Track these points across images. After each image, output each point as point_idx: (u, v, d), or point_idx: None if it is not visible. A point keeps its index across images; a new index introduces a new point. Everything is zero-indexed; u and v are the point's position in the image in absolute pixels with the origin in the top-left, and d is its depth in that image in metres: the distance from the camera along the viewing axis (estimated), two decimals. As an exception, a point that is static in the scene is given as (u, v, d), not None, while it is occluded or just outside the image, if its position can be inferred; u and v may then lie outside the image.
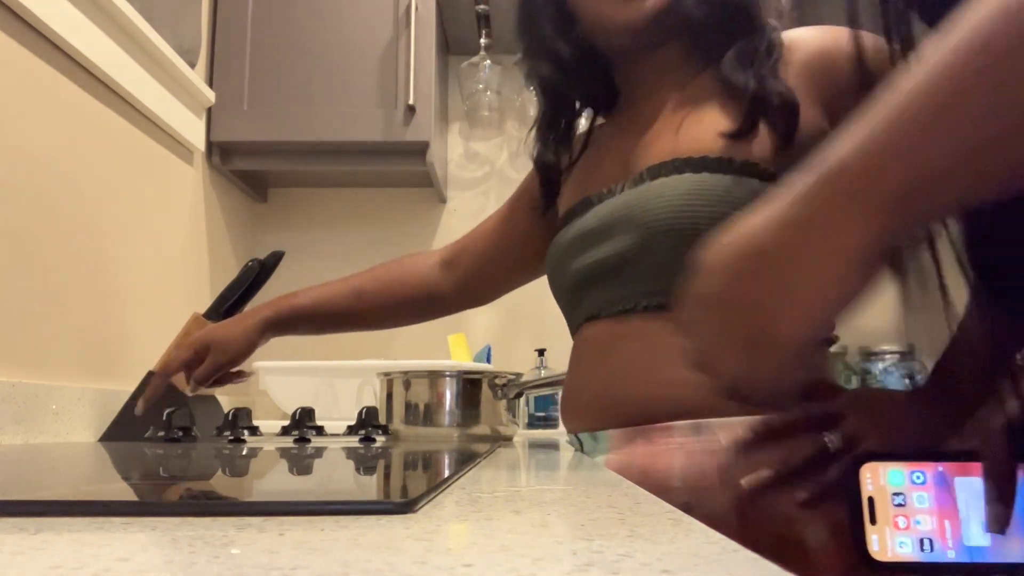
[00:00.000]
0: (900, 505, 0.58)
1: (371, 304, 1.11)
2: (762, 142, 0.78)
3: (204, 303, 1.41)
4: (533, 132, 0.99)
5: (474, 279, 1.11)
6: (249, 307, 1.33)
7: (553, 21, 0.90)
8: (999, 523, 0.52)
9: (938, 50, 0.32)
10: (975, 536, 0.56)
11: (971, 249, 0.40)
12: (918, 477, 0.58)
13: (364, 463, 0.64)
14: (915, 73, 0.32)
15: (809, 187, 0.36)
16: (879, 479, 0.59)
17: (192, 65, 1.65)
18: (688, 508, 0.37)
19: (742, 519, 0.69)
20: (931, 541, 0.57)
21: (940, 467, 0.58)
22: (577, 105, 0.99)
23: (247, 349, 1.09)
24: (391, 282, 1.12)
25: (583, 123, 1.01)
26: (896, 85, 0.33)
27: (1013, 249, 0.39)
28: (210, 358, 1.08)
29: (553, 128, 0.97)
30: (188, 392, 1.10)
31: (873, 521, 0.59)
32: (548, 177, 0.99)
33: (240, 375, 1.16)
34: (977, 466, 0.56)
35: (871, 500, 0.58)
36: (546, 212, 1.00)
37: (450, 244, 1.15)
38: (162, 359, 1.26)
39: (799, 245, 0.36)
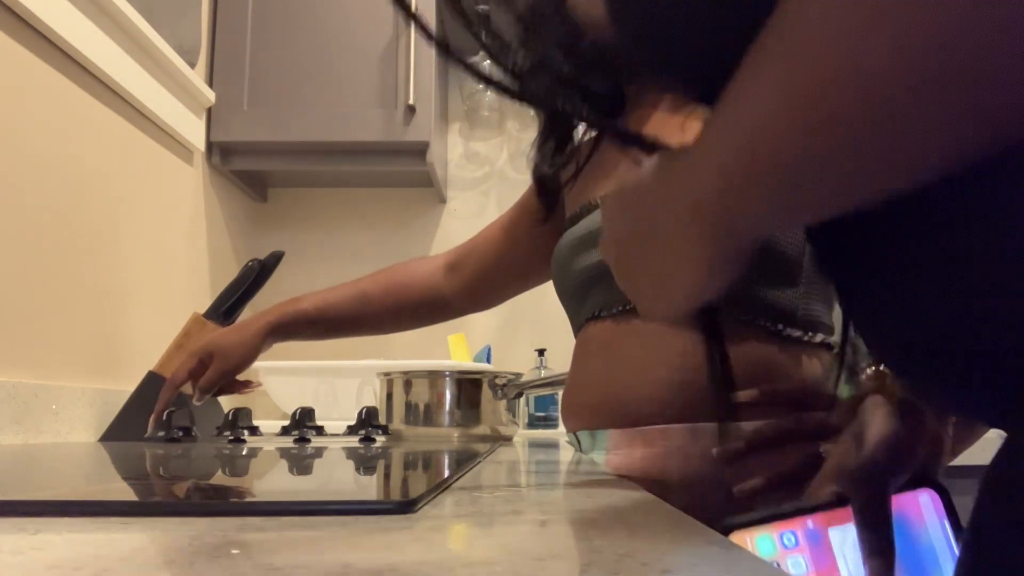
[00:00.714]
0: None
1: (375, 309, 1.11)
2: None
3: (204, 303, 1.41)
4: (533, 146, 0.99)
5: (477, 284, 1.11)
6: (249, 308, 1.33)
7: (556, 36, 0.89)
8: None
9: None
10: None
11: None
12: (789, 539, 0.53)
13: (364, 463, 0.64)
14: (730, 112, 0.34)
15: (658, 201, 0.40)
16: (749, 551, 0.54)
17: (192, 65, 1.65)
18: (685, 512, 0.37)
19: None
20: None
21: (809, 521, 0.53)
22: (575, 121, 0.98)
23: (250, 355, 1.09)
24: (395, 287, 1.12)
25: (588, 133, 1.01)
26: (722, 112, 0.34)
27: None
28: (214, 365, 1.09)
29: (550, 143, 0.97)
30: (195, 401, 1.11)
31: None
32: (545, 189, 0.99)
33: (247, 384, 1.16)
34: (849, 511, 0.51)
35: None
36: (545, 221, 1.01)
37: (453, 249, 1.15)
38: (162, 360, 1.26)
39: (652, 252, 0.41)
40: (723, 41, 0.32)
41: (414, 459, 0.67)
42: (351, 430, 1.16)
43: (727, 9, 0.33)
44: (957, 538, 0.53)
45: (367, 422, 1.15)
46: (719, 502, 0.71)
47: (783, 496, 0.65)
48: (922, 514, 0.54)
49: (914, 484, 0.53)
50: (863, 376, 0.58)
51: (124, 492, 0.41)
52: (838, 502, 0.53)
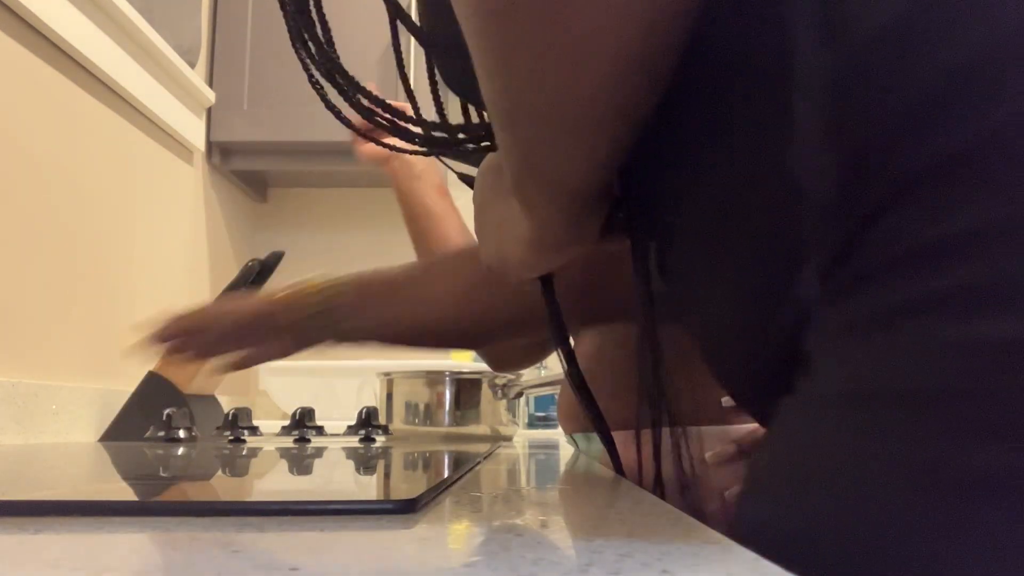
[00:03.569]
0: None
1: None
2: None
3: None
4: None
5: None
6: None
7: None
8: None
9: None
10: None
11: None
12: None
13: (364, 463, 0.64)
14: None
15: (496, 188, 0.49)
16: None
17: (192, 65, 1.65)
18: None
19: (729, 529, 0.69)
20: None
21: None
22: None
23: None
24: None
25: None
26: None
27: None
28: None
29: None
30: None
31: None
32: None
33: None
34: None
35: None
36: None
37: None
38: (162, 360, 1.26)
39: (495, 210, 0.49)
40: None
41: (414, 459, 0.67)
42: (351, 430, 1.16)
43: None
44: None
45: (367, 422, 1.15)
46: (711, 508, 0.71)
47: None
48: None
49: None
50: None
51: (124, 492, 0.41)
52: None
